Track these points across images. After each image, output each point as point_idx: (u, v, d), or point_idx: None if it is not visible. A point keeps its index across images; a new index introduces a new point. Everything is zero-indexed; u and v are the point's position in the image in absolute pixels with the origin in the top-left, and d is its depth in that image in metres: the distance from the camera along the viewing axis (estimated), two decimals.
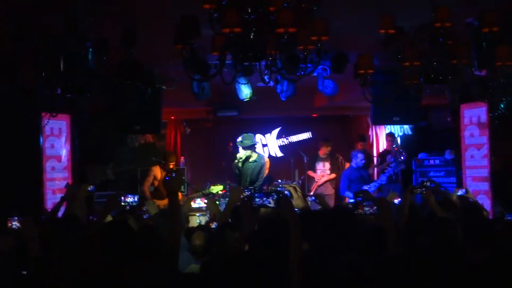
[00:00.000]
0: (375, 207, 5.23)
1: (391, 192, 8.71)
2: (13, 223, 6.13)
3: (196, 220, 10.87)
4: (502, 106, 9.62)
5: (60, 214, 7.53)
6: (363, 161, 12.70)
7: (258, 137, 16.25)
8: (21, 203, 9.07)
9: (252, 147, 11.60)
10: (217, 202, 9.48)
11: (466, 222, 6.11)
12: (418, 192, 6.98)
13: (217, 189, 11.60)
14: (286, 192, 6.69)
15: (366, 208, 5.40)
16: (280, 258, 4.17)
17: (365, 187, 12.09)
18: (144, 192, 11.93)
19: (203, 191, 11.57)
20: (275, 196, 4.60)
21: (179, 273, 4.57)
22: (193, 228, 7.96)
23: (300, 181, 13.43)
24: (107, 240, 4.46)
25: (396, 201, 7.56)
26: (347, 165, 13.35)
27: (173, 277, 4.24)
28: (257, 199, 4.77)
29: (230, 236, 5.11)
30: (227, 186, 12.31)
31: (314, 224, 5.34)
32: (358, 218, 5.50)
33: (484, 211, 7.72)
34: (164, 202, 11.48)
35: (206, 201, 7.57)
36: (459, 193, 8.20)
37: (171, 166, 11.96)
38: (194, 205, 7.72)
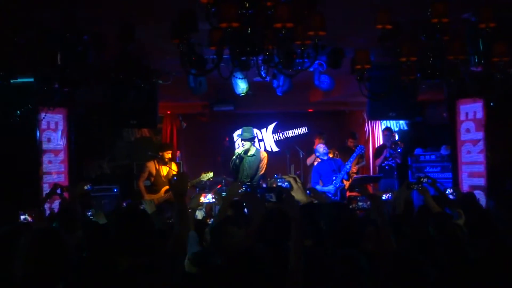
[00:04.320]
0: (368, 202, 5.26)
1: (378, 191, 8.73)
2: (21, 217, 6.17)
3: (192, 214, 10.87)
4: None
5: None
6: (326, 151, 12.63)
7: (254, 131, 16.26)
8: (18, 196, 9.09)
9: (251, 140, 11.56)
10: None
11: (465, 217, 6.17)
12: (414, 188, 6.99)
13: (207, 176, 11.56)
14: (285, 183, 6.69)
15: (360, 203, 5.44)
16: (281, 254, 4.19)
17: (334, 178, 12.05)
18: (139, 187, 11.92)
19: (195, 181, 11.56)
20: (277, 191, 4.61)
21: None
22: (203, 222, 7.98)
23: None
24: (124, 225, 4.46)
25: (384, 197, 7.58)
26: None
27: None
28: (258, 195, 4.78)
29: (229, 231, 5.10)
30: (223, 181, 12.31)
31: (313, 217, 5.35)
32: (353, 212, 5.53)
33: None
34: (158, 196, 11.52)
35: (214, 196, 7.59)
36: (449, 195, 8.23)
37: (168, 157, 11.92)
38: (204, 200, 7.73)
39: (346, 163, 12.40)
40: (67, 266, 3.64)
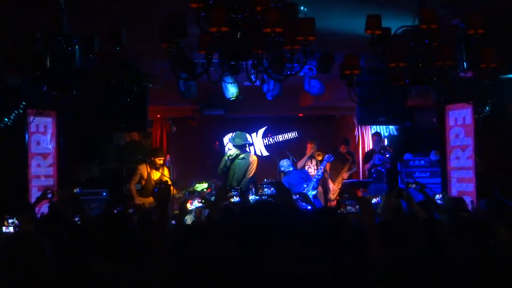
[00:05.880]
0: (357, 206, 5.25)
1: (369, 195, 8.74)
2: (9, 221, 6.15)
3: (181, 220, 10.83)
4: (487, 108, 9.70)
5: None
6: (290, 163, 12.99)
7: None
8: (6, 200, 9.05)
9: (242, 147, 11.53)
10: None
11: (451, 221, 6.16)
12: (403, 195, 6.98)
13: (201, 186, 11.54)
14: (272, 189, 6.69)
15: (349, 207, 5.42)
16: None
17: (305, 185, 12.25)
18: (130, 190, 11.89)
19: (188, 189, 11.54)
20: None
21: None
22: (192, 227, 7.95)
23: None
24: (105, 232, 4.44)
25: (373, 201, 7.58)
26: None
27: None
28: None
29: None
30: (213, 185, 12.30)
31: (301, 222, 5.33)
32: (342, 217, 5.50)
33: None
34: (149, 200, 11.49)
35: (201, 200, 7.57)
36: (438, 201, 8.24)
37: (160, 163, 11.91)
38: (190, 207, 7.69)
39: (317, 171, 12.62)
40: (43, 271, 3.62)
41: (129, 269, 3.97)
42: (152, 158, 11.92)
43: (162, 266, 4.31)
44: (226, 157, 11.54)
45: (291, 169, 12.87)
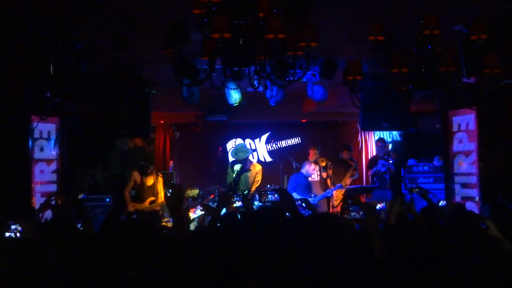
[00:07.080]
0: (361, 212, 5.24)
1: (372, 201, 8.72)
2: (12, 227, 6.13)
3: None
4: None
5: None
6: (310, 174, 12.95)
7: (247, 142, 16.22)
8: (9, 206, 9.05)
9: (246, 160, 11.48)
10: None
11: (455, 228, 6.15)
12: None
13: (192, 193, 11.48)
14: (276, 195, 6.67)
15: (353, 213, 5.41)
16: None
17: (311, 195, 12.21)
18: (124, 196, 11.85)
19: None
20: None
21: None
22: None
23: None
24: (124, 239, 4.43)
25: (378, 206, 7.57)
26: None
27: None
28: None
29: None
30: (216, 191, 12.28)
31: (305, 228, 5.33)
32: (344, 223, 5.50)
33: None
34: (143, 206, 11.49)
35: (202, 208, 7.57)
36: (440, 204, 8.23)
37: (149, 171, 11.92)
38: (193, 215, 7.68)
39: (327, 190, 12.62)
40: (46, 278, 3.61)
41: (143, 276, 3.95)
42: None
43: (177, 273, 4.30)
44: (234, 175, 11.43)
45: (303, 176, 12.80)
